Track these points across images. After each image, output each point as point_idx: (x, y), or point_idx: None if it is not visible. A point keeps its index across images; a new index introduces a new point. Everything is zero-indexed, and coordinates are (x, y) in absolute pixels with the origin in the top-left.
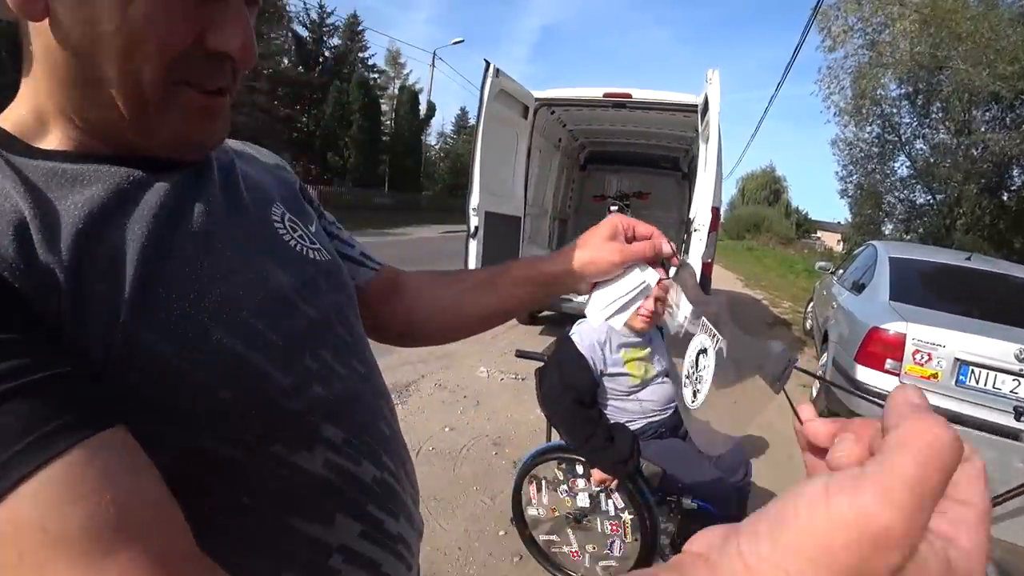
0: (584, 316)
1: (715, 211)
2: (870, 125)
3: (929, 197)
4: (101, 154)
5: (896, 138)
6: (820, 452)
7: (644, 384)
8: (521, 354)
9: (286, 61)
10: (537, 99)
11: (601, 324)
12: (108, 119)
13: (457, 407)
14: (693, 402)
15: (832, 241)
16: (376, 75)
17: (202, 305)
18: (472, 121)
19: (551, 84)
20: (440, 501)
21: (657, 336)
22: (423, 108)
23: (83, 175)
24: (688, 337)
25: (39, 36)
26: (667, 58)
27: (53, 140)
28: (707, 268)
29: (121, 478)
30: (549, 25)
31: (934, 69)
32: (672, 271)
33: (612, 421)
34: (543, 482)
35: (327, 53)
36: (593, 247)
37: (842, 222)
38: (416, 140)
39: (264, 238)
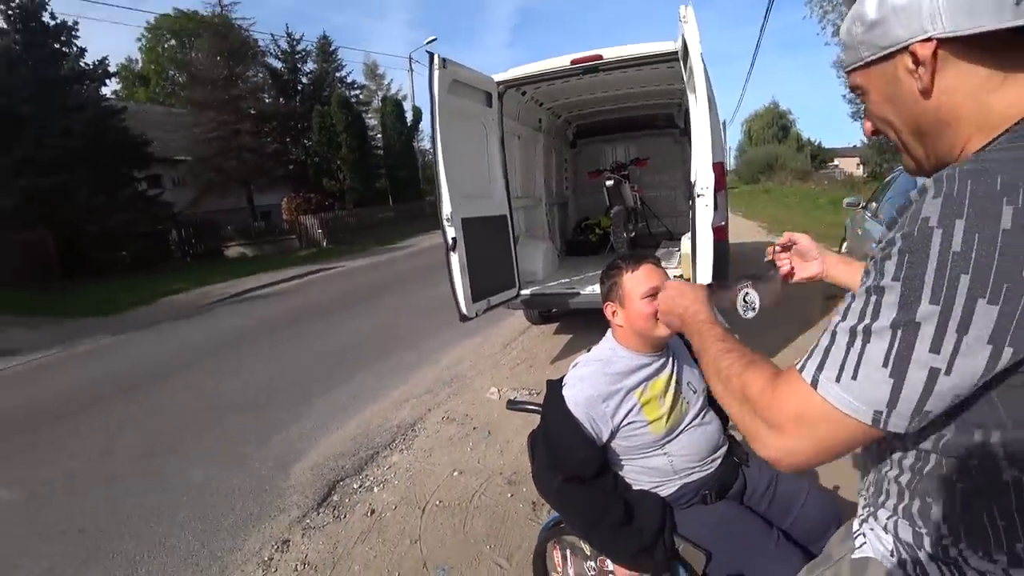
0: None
1: (718, 167)
2: None
3: None
4: None
5: None
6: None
7: (674, 432)
8: (513, 406)
9: (266, 97)
10: (499, 82)
11: (605, 360)
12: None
13: (466, 442)
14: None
15: (851, 166)
16: (358, 91)
17: None
18: None
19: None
20: (448, 571)
21: (676, 343)
22: (409, 115)
23: None
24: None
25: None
26: (650, 12)
27: None
28: (720, 233)
29: None
30: (525, 6)
31: None
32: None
33: (635, 487)
34: (569, 550)
35: (304, 80)
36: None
37: (858, 145)
38: (408, 148)
39: None
